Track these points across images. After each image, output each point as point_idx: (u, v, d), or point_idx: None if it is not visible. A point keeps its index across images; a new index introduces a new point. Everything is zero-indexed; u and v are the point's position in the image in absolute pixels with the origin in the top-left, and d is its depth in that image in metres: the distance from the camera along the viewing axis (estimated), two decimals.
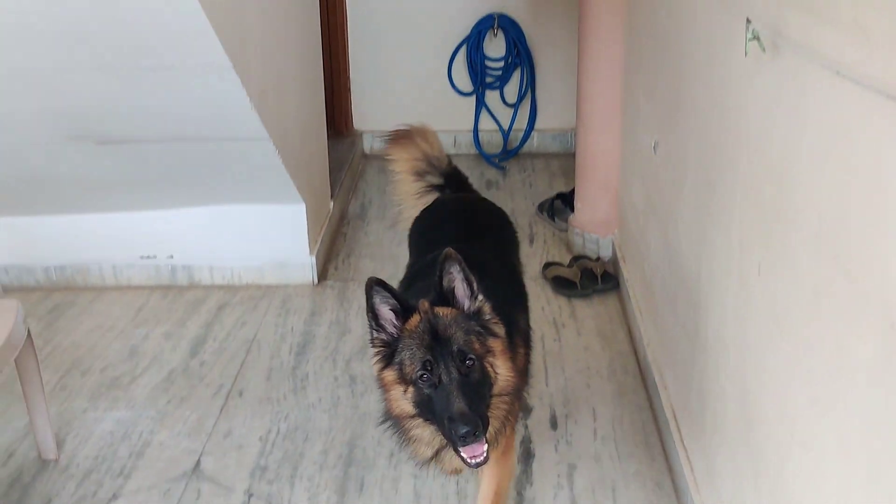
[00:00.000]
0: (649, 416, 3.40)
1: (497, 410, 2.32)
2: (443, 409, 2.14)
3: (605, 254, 4.62)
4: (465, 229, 3.11)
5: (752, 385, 2.19)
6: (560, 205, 5.18)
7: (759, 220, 2.12)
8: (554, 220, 5.17)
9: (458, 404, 2.10)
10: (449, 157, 3.60)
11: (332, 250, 4.97)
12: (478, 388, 2.20)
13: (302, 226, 4.50)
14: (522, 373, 2.60)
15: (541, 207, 5.34)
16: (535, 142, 6.41)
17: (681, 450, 2.96)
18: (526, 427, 3.33)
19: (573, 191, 4.91)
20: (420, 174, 3.52)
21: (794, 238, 1.85)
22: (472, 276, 2.27)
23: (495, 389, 2.27)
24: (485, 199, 3.59)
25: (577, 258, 4.58)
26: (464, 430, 2.07)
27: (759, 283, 2.12)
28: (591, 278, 4.35)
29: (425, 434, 2.35)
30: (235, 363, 3.88)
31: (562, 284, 4.37)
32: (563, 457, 3.21)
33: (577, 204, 4.80)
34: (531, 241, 5.01)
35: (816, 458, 1.76)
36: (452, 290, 2.29)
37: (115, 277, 4.59)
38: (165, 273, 4.59)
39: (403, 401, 2.27)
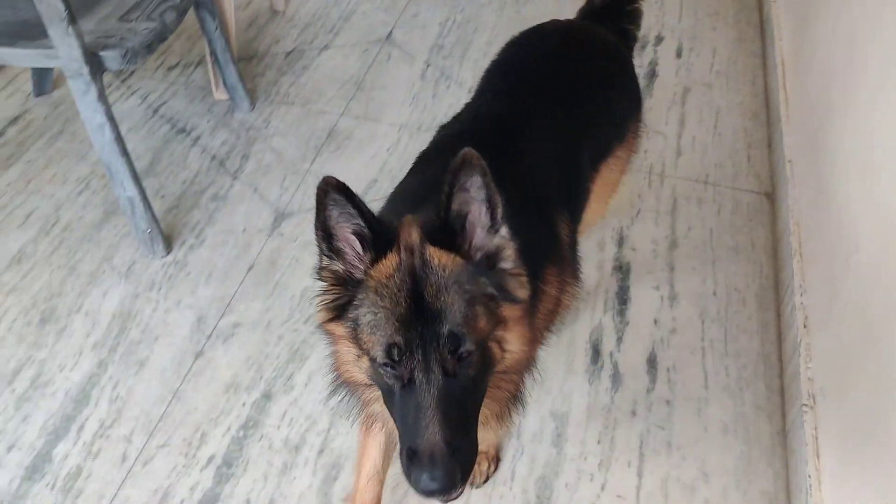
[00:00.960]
0: (760, 63, 3.30)
1: (498, 391, 1.36)
2: (407, 427, 1.18)
3: None
4: (549, 81, 1.83)
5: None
6: None
7: None
8: None
9: (431, 434, 1.14)
10: None
11: None
12: (470, 393, 1.21)
13: None
14: (542, 332, 1.53)
15: None
16: None
17: (781, 90, 2.90)
18: (655, 51, 3.29)
19: None
20: None
21: None
22: (499, 196, 1.19)
23: (499, 367, 1.29)
24: (600, 36, 2.00)
25: None
26: (430, 488, 1.15)
27: None
28: None
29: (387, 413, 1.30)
30: None
31: None
32: (682, 80, 3.18)
33: None
34: None
35: None
36: (465, 218, 1.21)
37: None
38: None
39: (355, 368, 1.28)
